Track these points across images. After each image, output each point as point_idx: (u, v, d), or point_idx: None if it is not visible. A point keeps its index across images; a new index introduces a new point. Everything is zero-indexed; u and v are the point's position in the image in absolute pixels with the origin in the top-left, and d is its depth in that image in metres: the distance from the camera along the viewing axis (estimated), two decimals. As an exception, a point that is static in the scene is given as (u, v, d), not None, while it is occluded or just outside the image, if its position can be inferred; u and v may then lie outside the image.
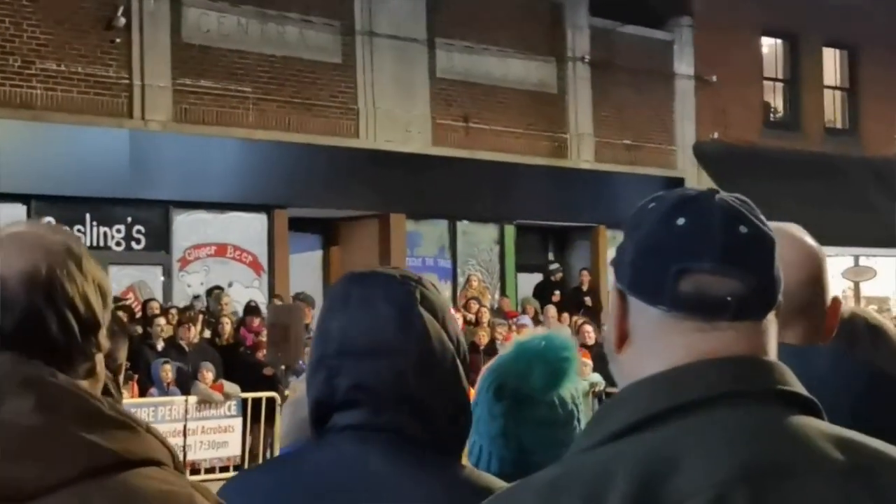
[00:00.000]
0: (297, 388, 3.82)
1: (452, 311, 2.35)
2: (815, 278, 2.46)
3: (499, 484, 2.22)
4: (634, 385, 1.61)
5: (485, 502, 1.60)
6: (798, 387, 1.60)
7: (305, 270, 22.01)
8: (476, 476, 2.26)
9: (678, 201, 1.63)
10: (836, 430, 1.58)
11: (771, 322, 1.63)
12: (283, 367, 16.83)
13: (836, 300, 2.50)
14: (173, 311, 17.81)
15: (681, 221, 1.61)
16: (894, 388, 2.44)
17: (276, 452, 16.10)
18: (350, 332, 2.24)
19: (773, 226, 1.68)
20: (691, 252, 1.59)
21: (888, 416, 2.29)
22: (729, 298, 1.58)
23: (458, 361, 2.28)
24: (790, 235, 2.47)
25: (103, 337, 1.86)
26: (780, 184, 24.10)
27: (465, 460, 2.41)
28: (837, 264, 26.49)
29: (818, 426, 1.57)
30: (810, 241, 2.55)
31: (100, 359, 1.86)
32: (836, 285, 24.81)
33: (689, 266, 1.58)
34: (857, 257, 27.14)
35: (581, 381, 2.89)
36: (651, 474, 1.48)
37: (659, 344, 1.61)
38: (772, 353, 1.62)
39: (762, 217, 1.65)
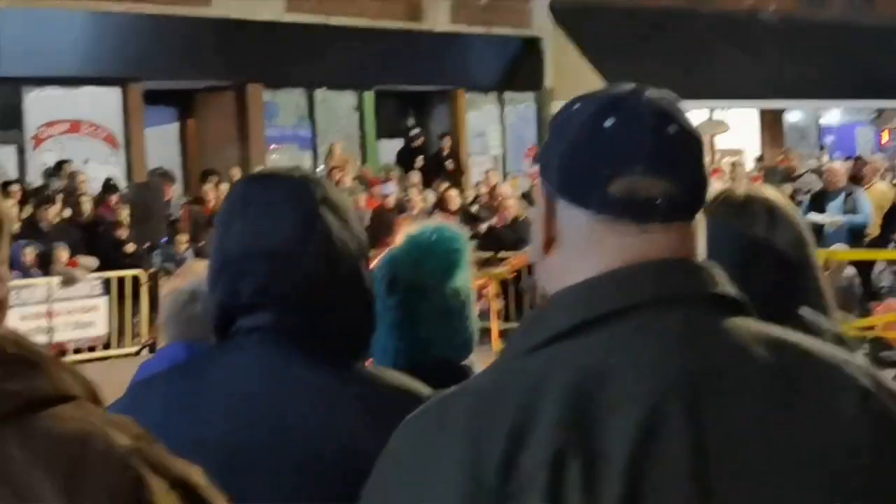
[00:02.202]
0: (180, 275, 3.79)
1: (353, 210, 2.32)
2: None
3: (403, 380, 2.24)
4: (567, 290, 1.59)
5: (420, 408, 1.58)
6: (728, 287, 1.60)
7: (162, 144, 21.72)
8: (381, 373, 2.27)
9: (606, 102, 1.61)
10: (767, 329, 1.58)
11: (699, 223, 1.63)
12: (145, 244, 16.67)
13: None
14: (29, 191, 17.46)
15: (609, 123, 1.58)
16: (776, 256, 2.48)
17: (143, 332, 16.08)
18: (252, 234, 2.21)
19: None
20: (621, 154, 1.57)
21: (766, 283, 2.33)
22: (659, 200, 1.57)
23: (362, 261, 2.27)
24: None
25: (2, 265, 1.77)
26: (635, 40, 24.26)
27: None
28: (692, 118, 26.83)
29: (749, 326, 1.57)
30: None
31: (2, 285, 1.77)
32: (692, 140, 25.16)
33: (620, 169, 1.57)
34: (711, 110, 27.51)
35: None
36: (585, 381, 1.48)
37: (589, 247, 1.59)
38: (700, 253, 1.62)
39: (686, 116, 1.64)
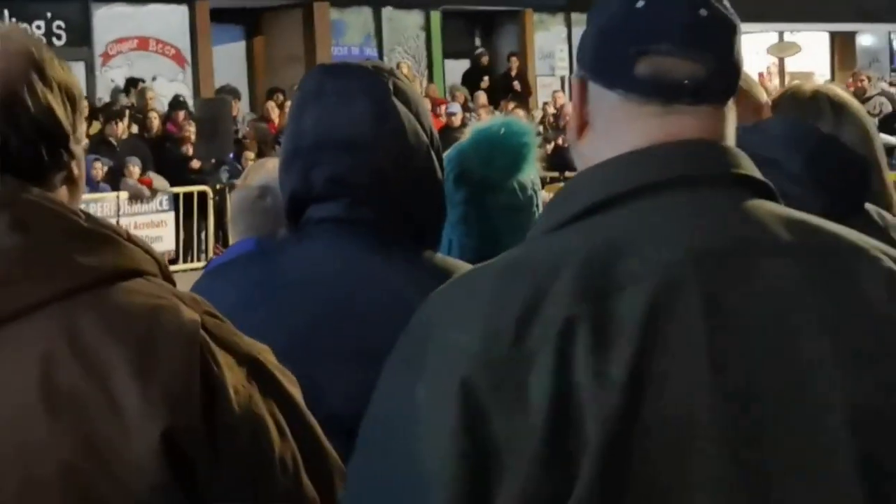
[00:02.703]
0: (249, 175, 3.81)
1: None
2: None
3: (467, 268, 2.24)
4: (591, 169, 1.61)
5: (446, 283, 1.61)
6: (754, 171, 1.60)
7: (229, 63, 21.73)
8: (447, 262, 2.29)
9: None
10: (790, 212, 1.58)
11: (730, 109, 1.63)
12: (212, 160, 16.75)
13: (763, 108, 2.54)
14: (98, 107, 17.57)
15: (640, 4, 1.59)
16: (845, 153, 2.47)
17: (210, 246, 16.19)
18: (326, 124, 2.22)
19: None
20: (649, 33, 1.57)
21: (836, 179, 2.33)
22: (686, 81, 1.56)
23: (433, 153, 2.27)
24: None
25: (75, 144, 1.80)
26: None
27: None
28: (762, 40, 26.54)
29: (772, 209, 1.57)
30: None
31: (77, 164, 1.80)
32: (761, 62, 24.91)
33: (647, 48, 1.57)
34: (781, 33, 27.16)
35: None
36: (601, 255, 1.49)
37: (617, 129, 1.60)
38: (730, 140, 1.62)
39: (724, 2, 1.63)
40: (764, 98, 2.63)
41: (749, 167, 1.59)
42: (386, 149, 2.21)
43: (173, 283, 1.76)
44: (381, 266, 2.19)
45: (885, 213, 2.46)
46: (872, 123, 2.63)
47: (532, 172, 2.87)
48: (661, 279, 1.47)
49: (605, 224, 1.53)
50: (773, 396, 1.46)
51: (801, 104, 2.56)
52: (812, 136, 2.42)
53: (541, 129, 19.47)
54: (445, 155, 2.85)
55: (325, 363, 2.12)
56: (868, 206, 2.45)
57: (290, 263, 2.24)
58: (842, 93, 2.64)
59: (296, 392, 1.76)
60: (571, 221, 1.56)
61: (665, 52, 1.56)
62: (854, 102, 2.64)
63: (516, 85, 22.74)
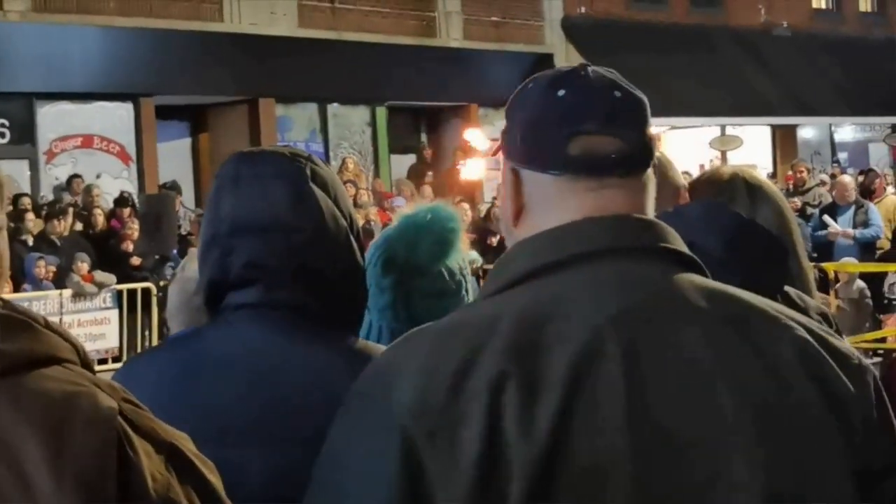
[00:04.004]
0: (186, 266, 3.79)
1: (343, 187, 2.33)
2: None
3: None
4: (527, 240, 1.72)
5: (387, 347, 1.71)
6: (679, 244, 1.71)
7: (175, 159, 21.75)
8: (368, 346, 2.28)
9: (556, 76, 1.77)
10: (710, 283, 1.69)
11: (650, 181, 1.75)
12: (156, 256, 16.68)
13: (680, 191, 2.57)
14: (41, 205, 17.50)
15: (561, 93, 1.73)
16: (765, 237, 2.48)
17: (154, 343, 16.07)
18: (242, 210, 2.22)
19: None
20: (576, 116, 1.71)
21: (756, 262, 2.34)
22: (614, 155, 1.70)
23: (352, 237, 2.28)
24: None
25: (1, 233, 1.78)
26: (648, 56, 24.25)
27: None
28: (705, 134, 26.85)
29: (693, 280, 1.68)
30: None
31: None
32: (705, 155, 25.18)
33: (576, 129, 1.70)
34: (723, 127, 27.50)
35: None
36: (532, 318, 1.60)
37: (553, 207, 1.72)
38: (650, 213, 1.74)
39: (629, 84, 1.77)
40: (681, 182, 2.65)
41: (674, 240, 1.71)
42: (303, 232, 2.21)
43: (93, 371, 1.74)
44: (301, 350, 2.18)
45: (804, 296, 2.47)
46: (788, 206, 2.65)
47: (460, 258, 2.87)
48: (586, 340, 1.58)
49: (538, 290, 1.65)
50: (685, 453, 1.55)
51: (717, 187, 2.58)
52: (733, 220, 2.45)
53: (487, 222, 19.55)
54: (373, 241, 2.86)
55: (244, 446, 2.10)
56: (788, 288, 2.46)
57: (210, 349, 2.22)
58: (758, 175, 2.68)
59: (214, 479, 1.74)
60: (507, 288, 1.67)
61: (593, 131, 1.70)
62: (770, 185, 2.66)
63: (462, 179, 22.83)
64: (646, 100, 1.77)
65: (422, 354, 1.61)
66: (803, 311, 2.38)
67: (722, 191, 2.56)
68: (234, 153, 2.32)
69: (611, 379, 1.56)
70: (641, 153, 1.73)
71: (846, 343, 1.70)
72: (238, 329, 2.21)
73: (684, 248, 1.71)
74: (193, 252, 4.32)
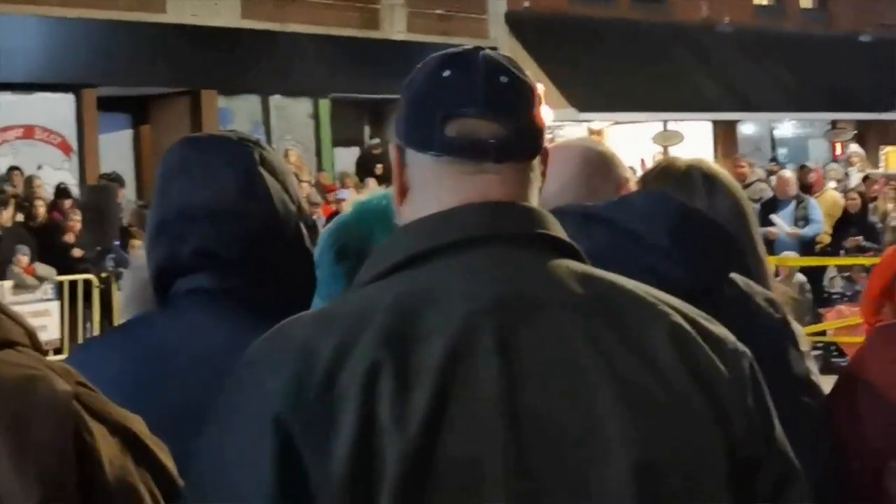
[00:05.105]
0: (139, 254, 3.77)
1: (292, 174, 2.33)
2: (586, 174, 2.52)
3: None
4: (404, 228, 1.72)
5: (262, 337, 1.68)
6: (558, 231, 1.70)
7: (116, 150, 21.59)
8: None
9: (446, 57, 1.74)
10: (587, 269, 1.68)
11: (535, 170, 1.73)
12: (97, 248, 16.57)
13: (623, 183, 2.59)
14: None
15: (447, 73, 1.71)
16: (708, 225, 2.48)
17: (95, 333, 15.96)
18: (191, 196, 2.20)
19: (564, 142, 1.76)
20: (456, 99, 1.69)
21: (699, 251, 2.35)
22: (492, 140, 1.68)
23: (301, 223, 2.27)
24: (562, 146, 2.63)
25: None
26: (591, 51, 24.35)
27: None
28: (647, 130, 26.97)
29: (570, 266, 1.67)
30: (586, 146, 2.66)
31: None
32: (647, 150, 25.29)
33: (454, 111, 1.68)
34: (665, 122, 27.63)
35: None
36: (407, 308, 1.59)
37: (431, 190, 1.71)
38: (533, 201, 1.72)
39: (523, 71, 1.75)
40: (627, 175, 2.66)
41: (552, 227, 1.70)
42: (253, 218, 2.20)
43: (44, 355, 1.74)
44: (250, 335, 2.16)
45: (752, 283, 2.49)
46: (745, 197, 2.66)
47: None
48: (460, 329, 1.58)
49: (413, 278, 1.64)
50: (560, 442, 1.56)
51: (674, 179, 2.59)
52: (676, 210, 2.45)
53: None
54: (326, 228, 2.85)
55: (197, 433, 2.09)
56: (734, 275, 2.47)
57: (159, 335, 2.21)
58: (714, 166, 2.68)
59: (168, 462, 1.76)
60: (383, 276, 1.66)
61: (471, 114, 1.68)
62: (726, 175, 2.67)
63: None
64: (536, 87, 1.74)
65: (296, 344, 1.60)
66: (747, 296, 2.39)
67: (680, 183, 2.57)
68: (181, 138, 2.30)
69: (485, 368, 1.56)
70: (524, 140, 1.71)
71: (722, 328, 1.69)
72: (188, 314, 2.19)
73: (563, 235, 1.70)
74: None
